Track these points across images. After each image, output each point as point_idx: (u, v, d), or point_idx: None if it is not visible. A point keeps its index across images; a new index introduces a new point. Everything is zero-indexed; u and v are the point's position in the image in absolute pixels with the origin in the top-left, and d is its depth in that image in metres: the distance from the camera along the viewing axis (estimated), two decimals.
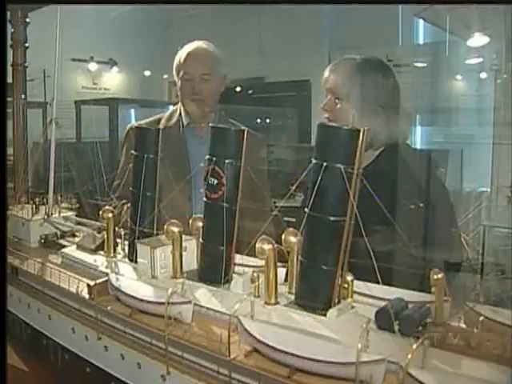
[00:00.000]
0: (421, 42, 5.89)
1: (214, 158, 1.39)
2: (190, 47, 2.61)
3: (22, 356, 1.80)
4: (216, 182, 1.39)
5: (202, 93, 2.53)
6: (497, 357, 1.00)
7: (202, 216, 1.55)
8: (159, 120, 2.70)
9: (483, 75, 4.47)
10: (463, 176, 5.04)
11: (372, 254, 1.18)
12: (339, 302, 1.25)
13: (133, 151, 1.63)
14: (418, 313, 1.13)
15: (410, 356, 0.92)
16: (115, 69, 6.68)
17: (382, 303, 1.28)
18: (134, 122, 2.75)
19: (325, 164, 1.18)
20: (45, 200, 2.06)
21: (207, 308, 1.31)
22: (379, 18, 5.52)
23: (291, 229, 1.35)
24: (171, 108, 2.83)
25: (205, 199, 1.44)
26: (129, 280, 1.45)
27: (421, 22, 5.66)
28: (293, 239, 1.34)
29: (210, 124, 1.42)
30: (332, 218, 1.19)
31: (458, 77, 5.15)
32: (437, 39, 4.92)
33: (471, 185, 4.81)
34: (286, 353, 1.04)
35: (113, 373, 1.43)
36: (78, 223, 2.03)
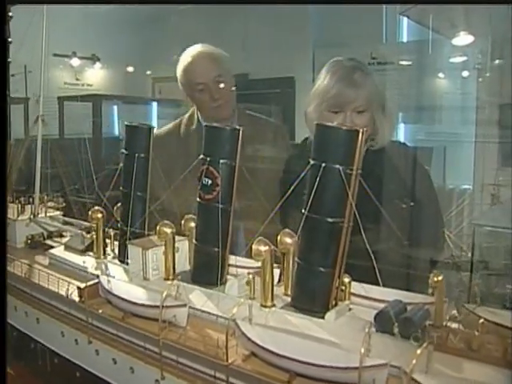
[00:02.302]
0: (405, 40, 5.93)
1: (209, 158, 1.36)
2: (191, 55, 2.46)
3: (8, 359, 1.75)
4: (210, 182, 1.37)
5: (222, 97, 2.43)
6: (498, 359, 0.99)
7: (193, 216, 1.53)
8: (179, 125, 2.62)
9: (467, 74, 4.51)
10: (446, 174, 5.09)
11: (371, 254, 1.16)
12: (336, 304, 1.24)
13: (123, 150, 1.59)
14: (418, 315, 1.12)
15: (414, 361, 0.91)
16: (98, 65, 6.56)
17: (378, 304, 1.28)
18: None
19: (323, 165, 1.16)
20: (30, 199, 2.01)
21: (203, 311, 1.29)
22: (363, 16, 5.54)
23: (287, 230, 1.34)
24: (189, 110, 2.72)
25: (198, 200, 1.41)
26: (121, 282, 1.42)
27: (405, 20, 5.70)
28: (288, 240, 1.32)
29: (204, 123, 1.39)
30: (330, 220, 1.17)
31: (442, 75, 5.18)
32: (421, 37, 4.94)
33: (454, 182, 4.87)
34: (287, 358, 1.02)
35: (104, 377, 1.40)
36: (65, 223, 1.98)
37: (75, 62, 6.35)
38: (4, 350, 1.52)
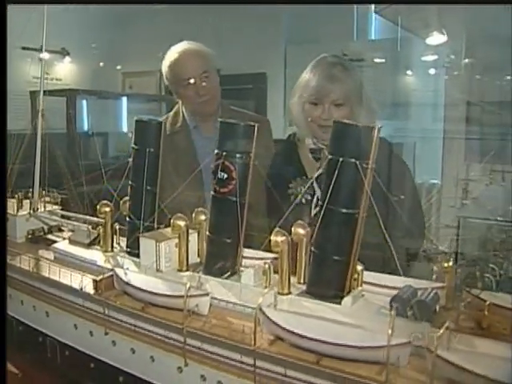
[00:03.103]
0: (376, 37, 6.07)
1: (224, 153, 1.41)
2: (177, 52, 2.51)
3: (13, 354, 1.75)
4: (226, 176, 1.42)
5: (207, 93, 2.49)
6: (506, 336, 1.09)
7: (203, 210, 1.57)
8: (165, 123, 2.65)
9: (436, 72, 4.68)
10: (415, 169, 5.26)
11: (390, 243, 1.24)
12: (350, 290, 1.32)
13: (133, 145, 1.62)
14: (430, 298, 1.21)
15: (436, 339, 0.99)
16: (67, 59, 6.45)
17: (385, 290, 1.37)
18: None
19: (341, 159, 1.23)
20: (29, 194, 2.00)
21: (225, 301, 1.34)
22: (335, 13, 5.65)
23: (300, 221, 1.40)
24: (174, 108, 2.75)
25: (212, 193, 1.46)
26: (138, 274, 1.45)
27: (376, 18, 5.84)
28: (301, 231, 1.39)
29: (219, 119, 1.44)
30: (347, 211, 1.25)
31: (412, 73, 5.35)
32: (392, 36, 5.09)
33: (423, 177, 5.05)
34: (316, 340, 1.09)
35: (122, 367, 1.44)
36: (63, 217, 1.99)
37: (44, 55, 6.22)
38: (4, 349, 1.53)
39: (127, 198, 1.69)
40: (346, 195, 1.25)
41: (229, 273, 1.46)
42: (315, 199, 2.33)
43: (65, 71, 6.59)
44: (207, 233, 1.50)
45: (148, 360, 1.37)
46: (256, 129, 1.40)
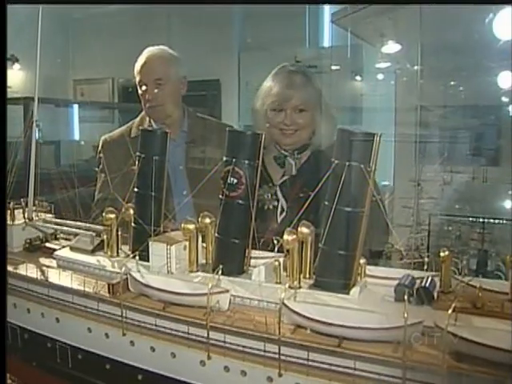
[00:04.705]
0: (328, 44, 6.31)
1: (234, 160, 1.52)
2: (143, 54, 2.64)
3: (18, 362, 1.78)
4: (236, 181, 1.52)
5: (156, 99, 2.58)
6: (498, 313, 1.27)
7: (208, 213, 1.67)
8: (130, 129, 2.71)
9: (388, 78, 4.95)
10: None
11: (396, 236, 1.39)
12: (355, 282, 1.46)
13: (138, 153, 1.69)
14: (430, 284, 1.37)
15: (447, 318, 1.14)
16: (17, 65, 6.31)
17: (384, 281, 1.52)
18: (105, 135, 2.75)
19: (347, 164, 1.37)
20: (21, 204, 2.02)
21: (245, 298, 1.44)
22: (287, 20, 5.83)
23: (305, 221, 1.53)
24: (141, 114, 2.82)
25: (221, 197, 1.56)
26: (157, 276, 1.53)
27: (329, 25, 6.08)
28: (306, 230, 1.51)
29: (227, 128, 1.55)
30: (352, 210, 1.39)
31: (363, 79, 5.62)
32: (345, 43, 5.33)
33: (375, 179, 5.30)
34: (337, 325, 1.22)
35: (141, 366, 1.51)
36: (57, 225, 2.02)
37: None
38: (4, 350, 1.57)
39: (129, 204, 1.76)
40: (352, 196, 1.39)
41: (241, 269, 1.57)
42: (280, 205, 2.46)
43: (15, 78, 6.43)
44: (216, 234, 1.60)
45: (169, 356, 1.45)
46: (263, 137, 1.52)
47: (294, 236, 1.45)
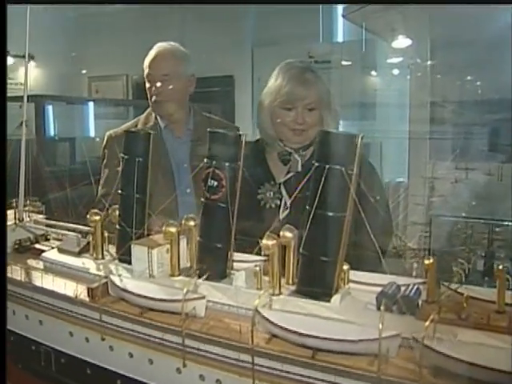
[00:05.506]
0: (341, 40, 6.21)
1: (214, 162, 1.48)
2: (153, 49, 2.63)
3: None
4: (216, 183, 1.48)
5: (161, 94, 2.56)
6: (484, 325, 1.20)
7: (193, 216, 1.63)
8: (136, 125, 2.70)
9: (401, 73, 4.85)
10: (382, 168, 5.42)
11: (376, 243, 1.33)
12: (338, 289, 1.40)
13: (122, 154, 1.66)
14: (413, 293, 1.31)
15: (424, 331, 1.08)
16: (32, 63, 6.37)
17: (370, 288, 1.46)
18: (111, 131, 2.74)
19: (327, 166, 1.32)
20: (12, 204, 2.01)
21: (222, 303, 1.40)
22: (301, 15, 5.75)
23: (288, 225, 1.48)
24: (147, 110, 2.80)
25: (203, 200, 1.52)
26: (135, 280, 1.50)
27: (342, 20, 5.98)
28: (289, 235, 1.46)
29: (208, 129, 1.51)
30: (334, 214, 1.33)
31: (378, 74, 5.52)
32: (359, 38, 5.23)
33: (390, 176, 5.22)
34: (312, 336, 1.16)
35: (120, 371, 1.48)
36: (49, 226, 2.01)
37: (8, 60, 6.13)
38: (4, 351, 1.56)
39: (116, 206, 1.74)
40: (333, 200, 1.33)
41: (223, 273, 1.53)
42: (283, 204, 2.41)
43: (30, 76, 6.49)
44: (198, 238, 1.56)
45: (146, 363, 1.42)
46: (244, 138, 1.47)
47: (274, 241, 1.40)
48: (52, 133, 6.16)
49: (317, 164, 1.34)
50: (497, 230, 3.10)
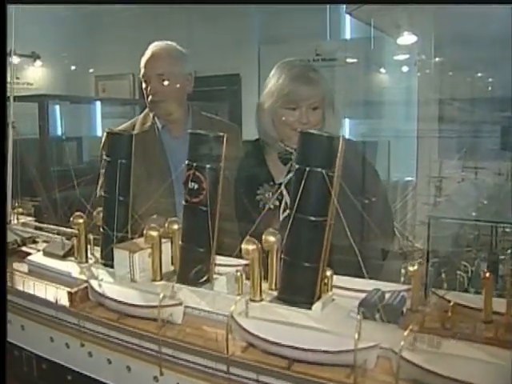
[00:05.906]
0: (348, 37, 6.13)
1: (195, 164, 1.44)
2: (149, 48, 2.60)
3: None
4: (197, 186, 1.44)
5: (157, 94, 2.52)
6: (469, 335, 1.14)
7: (176, 219, 1.59)
8: (134, 125, 2.67)
9: (409, 70, 4.76)
10: (390, 167, 5.34)
11: (356, 249, 1.28)
12: (321, 295, 1.35)
13: (105, 156, 1.63)
14: (397, 301, 1.25)
15: (402, 341, 1.03)
16: (38, 62, 6.39)
17: (356, 294, 1.41)
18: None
19: (307, 169, 1.27)
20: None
21: (198, 309, 1.36)
22: (307, 13, 5.68)
23: (271, 229, 1.43)
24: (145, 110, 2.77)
25: (184, 203, 1.49)
26: (113, 285, 1.46)
27: (348, 17, 5.90)
28: (272, 239, 1.41)
29: (189, 130, 1.46)
30: (315, 218, 1.28)
31: (385, 71, 5.44)
32: (365, 35, 5.15)
33: (398, 175, 5.13)
34: (287, 346, 1.12)
35: (99, 378, 1.45)
36: (38, 229, 1.99)
37: (14, 59, 6.16)
38: (4, 352, 1.54)
39: (101, 208, 1.71)
40: (314, 203, 1.28)
41: (205, 277, 1.49)
42: (283, 204, 2.36)
43: (36, 75, 6.52)
44: (180, 242, 1.52)
45: (124, 370, 1.39)
46: (225, 139, 1.43)
47: (254, 246, 1.36)
48: (59, 132, 6.17)
49: (297, 166, 1.29)
50: (507, 231, 3.01)
